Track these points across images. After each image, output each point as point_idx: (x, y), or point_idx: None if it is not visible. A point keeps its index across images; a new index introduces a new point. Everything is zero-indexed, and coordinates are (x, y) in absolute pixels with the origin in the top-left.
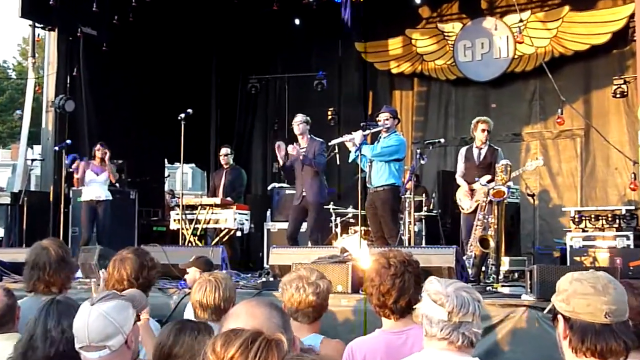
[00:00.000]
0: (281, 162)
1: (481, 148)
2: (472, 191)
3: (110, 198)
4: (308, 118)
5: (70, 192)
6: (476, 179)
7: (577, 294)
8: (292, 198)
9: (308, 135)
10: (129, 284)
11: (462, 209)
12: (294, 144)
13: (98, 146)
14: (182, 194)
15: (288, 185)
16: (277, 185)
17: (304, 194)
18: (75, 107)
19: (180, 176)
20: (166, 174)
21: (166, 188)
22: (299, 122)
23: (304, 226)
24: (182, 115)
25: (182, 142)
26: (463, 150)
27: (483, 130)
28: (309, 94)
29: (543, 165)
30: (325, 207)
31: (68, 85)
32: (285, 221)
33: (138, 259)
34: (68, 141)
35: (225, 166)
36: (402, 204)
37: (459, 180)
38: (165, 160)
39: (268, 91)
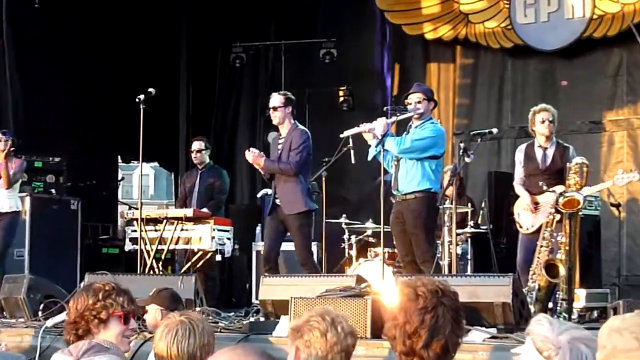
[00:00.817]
0: (263, 173)
1: (546, 148)
2: (536, 205)
3: (16, 210)
4: (290, 96)
5: None
6: (544, 187)
7: (618, 352)
8: None
9: (291, 120)
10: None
11: (521, 227)
12: (251, 150)
13: None
14: (141, 204)
15: None
16: (269, 192)
17: (277, 202)
18: None
19: (139, 179)
20: (119, 177)
21: (120, 196)
22: (276, 106)
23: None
24: (141, 96)
25: (141, 133)
26: (522, 149)
27: (543, 121)
28: (314, 68)
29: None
30: (308, 217)
31: None
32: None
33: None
34: None
35: (199, 166)
36: (440, 218)
37: (519, 189)
38: (119, 158)
39: (258, 64)
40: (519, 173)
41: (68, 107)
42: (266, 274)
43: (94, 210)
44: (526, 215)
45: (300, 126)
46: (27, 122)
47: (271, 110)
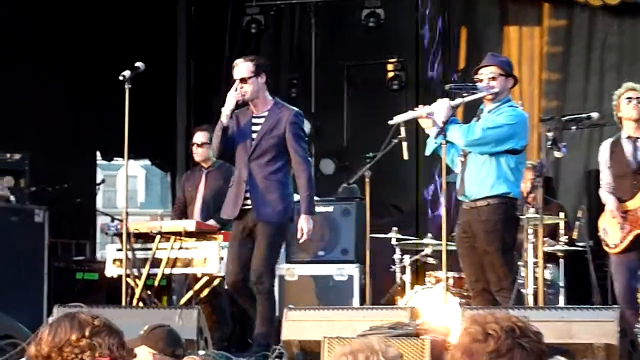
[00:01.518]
0: (224, 120)
1: (637, 138)
2: (625, 213)
3: None
4: (261, 60)
5: None
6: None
7: None
8: (325, 219)
9: (268, 97)
10: None
11: (608, 245)
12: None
13: None
14: (127, 214)
15: (317, 198)
16: (296, 197)
17: (246, 205)
18: None
19: (124, 182)
20: (99, 179)
21: (99, 204)
22: (245, 76)
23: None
24: (126, 73)
25: (126, 121)
26: (605, 146)
27: (630, 101)
28: (354, 35)
29: None
30: (286, 231)
31: None
32: (311, 261)
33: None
34: None
35: (203, 164)
36: (522, 231)
37: (605, 196)
38: (98, 154)
39: (280, 30)
40: (604, 177)
41: (31, 86)
42: (291, 306)
43: (65, 223)
44: (613, 230)
45: (287, 104)
46: None
47: (238, 82)
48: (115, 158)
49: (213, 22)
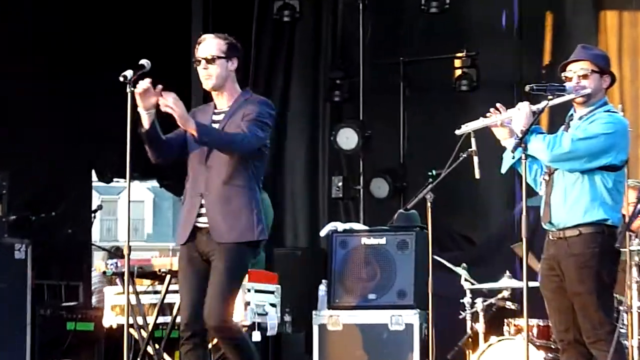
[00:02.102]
0: (145, 123)
1: None
2: None
3: None
4: (232, 41)
5: None
6: None
7: None
8: (377, 254)
9: (237, 88)
10: None
11: None
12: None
13: None
14: (130, 249)
15: (365, 228)
16: (339, 226)
17: (200, 222)
18: None
19: (126, 209)
20: (96, 204)
21: (96, 236)
22: (214, 54)
23: None
24: (128, 73)
25: (128, 133)
26: None
27: None
28: (412, 24)
29: None
30: (252, 252)
31: None
32: (360, 307)
33: None
34: None
35: None
36: (624, 267)
37: None
38: (93, 173)
39: (320, 18)
40: None
41: (15, 90)
42: None
43: (53, 261)
44: None
45: (255, 95)
46: None
47: (202, 62)
48: (115, 179)
49: (235, 10)
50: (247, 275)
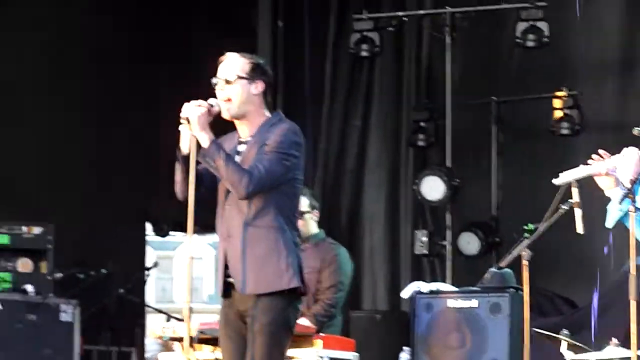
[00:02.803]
0: (183, 148)
1: None
2: None
3: None
4: (259, 61)
5: None
6: None
7: None
8: (466, 318)
9: (262, 111)
10: None
11: None
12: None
13: None
14: (191, 311)
15: (452, 289)
16: (423, 287)
17: (229, 277)
18: None
19: (184, 266)
20: (150, 262)
21: (150, 297)
22: (233, 74)
23: None
24: (193, 113)
25: (192, 178)
26: None
27: None
28: (506, 58)
29: None
30: (290, 303)
31: None
32: None
33: None
34: None
35: (302, 240)
36: None
37: None
38: (148, 226)
39: (402, 52)
40: None
41: (53, 133)
42: None
43: (103, 324)
44: None
45: (284, 120)
46: None
47: (218, 85)
48: (171, 232)
49: (310, 41)
50: (320, 342)
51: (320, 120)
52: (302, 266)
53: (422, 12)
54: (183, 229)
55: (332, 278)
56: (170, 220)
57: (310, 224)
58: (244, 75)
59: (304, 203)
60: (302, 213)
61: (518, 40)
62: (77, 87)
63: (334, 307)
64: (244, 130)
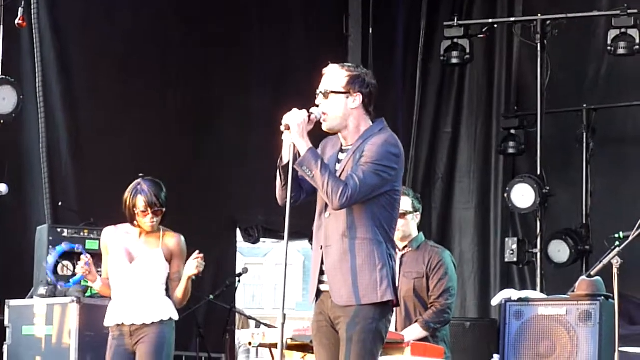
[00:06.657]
0: (284, 155)
1: None
2: None
3: (165, 318)
4: (358, 72)
5: None
6: None
7: None
8: (556, 326)
9: (364, 122)
10: None
11: None
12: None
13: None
14: (284, 317)
15: (543, 297)
16: (513, 294)
17: (323, 285)
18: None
19: (277, 272)
20: (241, 268)
21: (240, 303)
22: (328, 89)
23: None
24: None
25: (290, 183)
26: None
27: None
28: (597, 65)
29: None
30: (383, 316)
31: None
32: None
33: None
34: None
35: (398, 244)
36: None
37: None
38: (238, 232)
39: (493, 59)
40: None
41: (145, 142)
42: None
43: (192, 330)
44: None
45: (386, 129)
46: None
47: (318, 97)
48: (262, 237)
49: (403, 47)
50: (409, 349)
51: (410, 128)
52: (396, 278)
53: (512, 19)
54: (272, 235)
55: (442, 284)
56: (260, 227)
57: (411, 225)
58: (340, 90)
59: (407, 203)
60: (405, 213)
61: (609, 48)
62: (172, 100)
63: (447, 313)
64: (347, 138)
